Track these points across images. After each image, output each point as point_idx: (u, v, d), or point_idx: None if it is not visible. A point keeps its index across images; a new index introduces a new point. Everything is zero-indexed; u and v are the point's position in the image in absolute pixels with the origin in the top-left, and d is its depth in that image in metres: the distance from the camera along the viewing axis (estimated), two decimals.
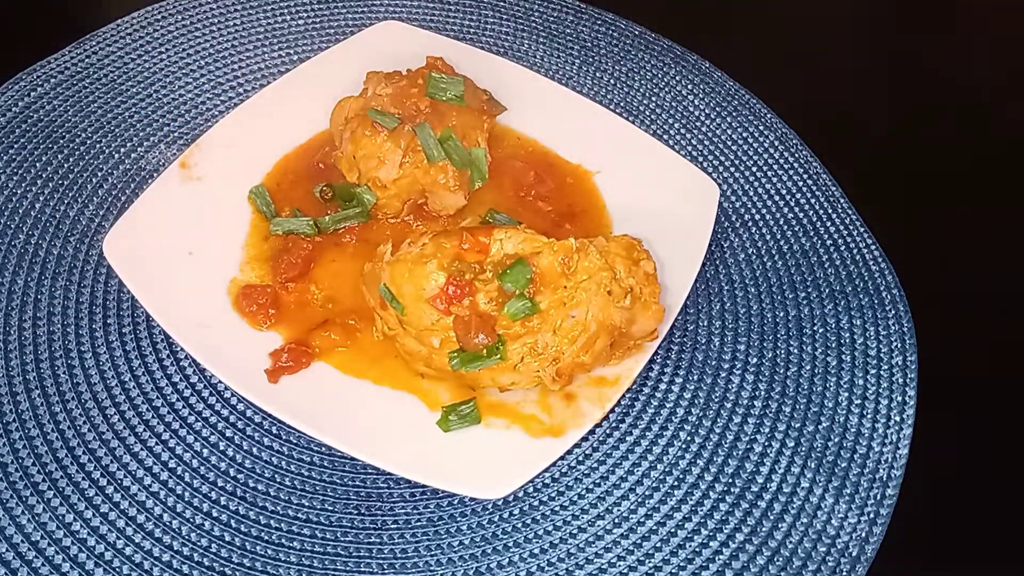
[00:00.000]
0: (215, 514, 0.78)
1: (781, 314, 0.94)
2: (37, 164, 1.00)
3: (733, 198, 1.04)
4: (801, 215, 1.03)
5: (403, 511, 0.79)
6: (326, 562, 0.76)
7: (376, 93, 0.96)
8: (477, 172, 0.96)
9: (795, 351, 0.91)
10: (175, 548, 0.76)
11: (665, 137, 1.09)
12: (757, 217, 1.02)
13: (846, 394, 0.88)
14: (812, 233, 1.01)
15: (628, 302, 0.80)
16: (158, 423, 0.83)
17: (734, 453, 0.84)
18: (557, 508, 0.80)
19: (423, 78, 0.96)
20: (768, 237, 1.01)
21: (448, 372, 0.80)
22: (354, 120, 0.95)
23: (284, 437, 0.83)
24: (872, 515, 0.80)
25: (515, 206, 0.98)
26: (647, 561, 0.78)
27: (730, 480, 0.82)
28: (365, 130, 0.93)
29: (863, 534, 0.79)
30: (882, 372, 0.90)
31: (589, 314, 0.79)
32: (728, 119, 1.12)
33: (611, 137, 1.02)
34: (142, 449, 0.81)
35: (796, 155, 1.08)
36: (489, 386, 0.82)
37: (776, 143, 1.10)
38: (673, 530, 0.79)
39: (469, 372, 0.79)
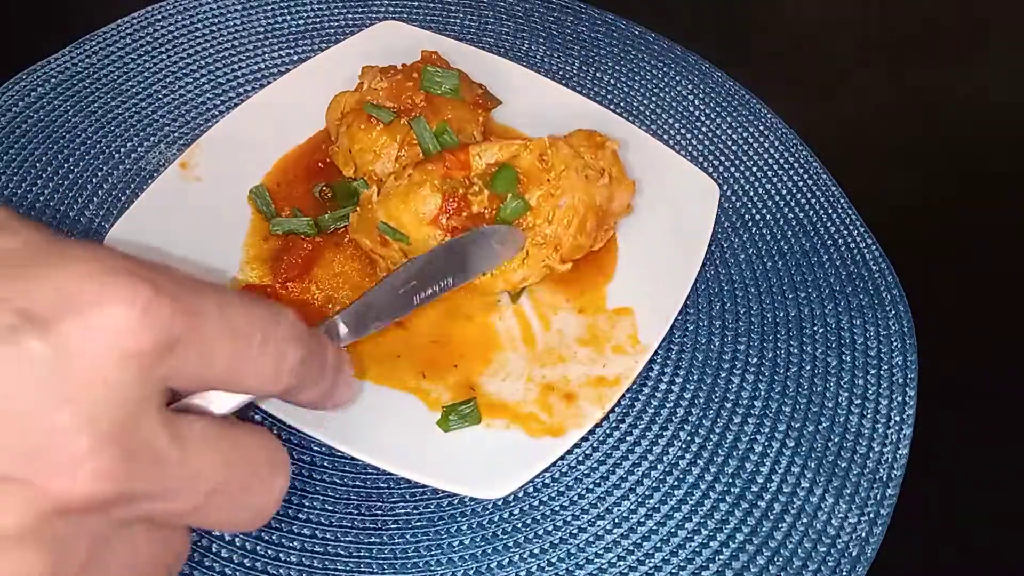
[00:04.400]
0: None
1: (781, 314, 0.94)
2: (37, 164, 1.00)
3: (733, 198, 1.04)
4: (801, 215, 1.03)
5: (403, 511, 0.79)
6: (326, 562, 0.76)
7: (371, 87, 0.96)
8: None
9: (795, 351, 0.91)
10: None
11: (665, 137, 1.09)
12: (757, 217, 1.02)
13: (846, 394, 0.88)
14: (812, 233, 1.01)
15: (607, 180, 0.88)
16: None
17: (734, 453, 0.84)
18: (557, 508, 0.80)
19: (418, 72, 0.96)
20: (768, 237, 1.01)
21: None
22: (350, 114, 0.96)
23: (284, 437, 0.83)
24: (872, 515, 0.80)
25: None
26: (647, 561, 0.78)
27: (730, 480, 0.82)
28: (361, 124, 0.94)
29: (863, 534, 0.79)
30: (882, 372, 0.90)
31: (576, 198, 0.85)
32: (728, 119, 1.12)
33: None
34: None
35: (796, 155, 1.08)
36: (503, 288, 0.87)
37: (776, 143, 1.10)
38: (673, 530, 0.79)
39: (484, 280, 0.85)
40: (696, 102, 1.14)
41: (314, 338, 0.55)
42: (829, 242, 1.00)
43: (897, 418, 0.87)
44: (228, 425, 0.49)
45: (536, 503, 0.80)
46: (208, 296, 0.45)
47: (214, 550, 0.76)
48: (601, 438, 0.85)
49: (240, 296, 0.49)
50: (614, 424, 0.85)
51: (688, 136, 1.10)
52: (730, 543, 0.79)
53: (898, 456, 0.84)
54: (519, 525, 0.79)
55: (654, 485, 0.82)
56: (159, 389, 0.42)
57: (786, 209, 1.03)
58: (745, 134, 1.10)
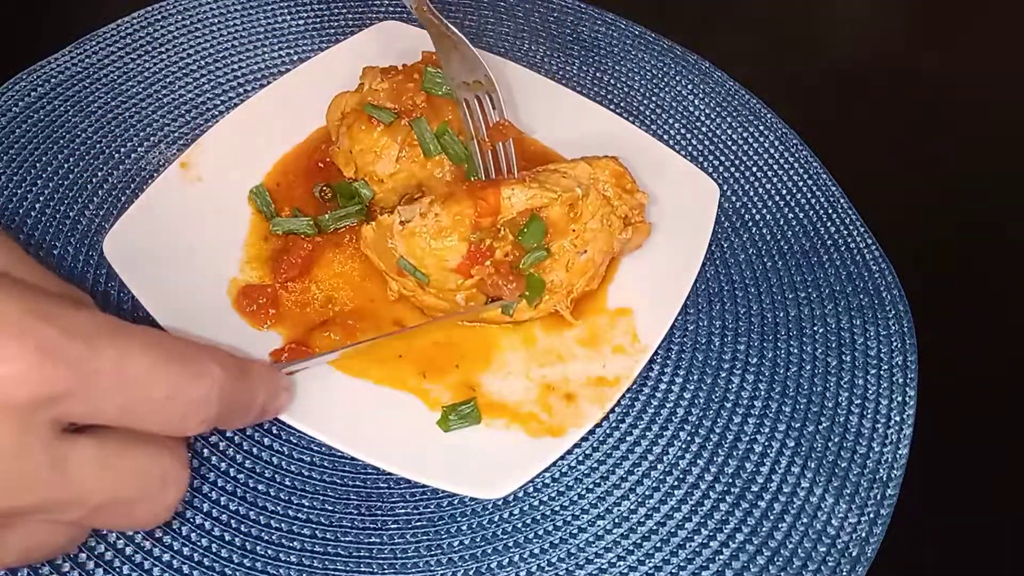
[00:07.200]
0: (215, 514, 0.78)
1: (781, 314, 0.94)
2: (37, 164, 1.00)
3: (733, 198, 1.04)
4: (801, 215, 1.03)
5: (403, 511, 0.79)
6: (326, 562, 0.76)
7: (372, 88, 0.96)
8: (473, 166, 0.96)
9: (795, 351, 0.91)
10: (175, 548, 0.76)
11: (665, 137, 1.09)
12: (757, 217, 1.02)
13: (846, 394, 0.88)
14: (812, 233, 1.01)
15: (629, 234, 0.88)
16: None
17: (734, 453, 0.84)
18: (557, 508, 0.80)
19: (419, 73, 0.96)
20: (768, 237, 1.01)
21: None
22: (350, 115, 0.96)
23: (284, 437, 0.83)
24: (872, 515, 0.80)
25: None
26: (647, 561, 0.78)
27: (730, 480, 0.82)
28: (361, 125, 0.94)
29: (863, 534, 0.79)
30: (882, 372, 0.90)
31: (596, 249, 0.86)
32: (728, 119, 1.12)
33: (611, 137, 1.02)
34: None
35: (796, 155, 1.08)
36: (507, 323, 0.87)
37: (776, 143, 1.10)
38: (673, 530, 0.79)
39: (491, 317, 0.87)
40: (696, 102, 1.14)
41: (241, 386, 0.60)
42: (829, 242, 1.00)
43: (897, 418, 0.87)
44: (126, 444, 0.54)
45: (536, 503, 0.80)
46: (105, 352, 0.50)
47: (214, 550, 0.76)
48: (601, 438, 0.85)
49: (159, 350, 0.54)
50: (614, 424, 0.85)
51: (688, 136, 1.10)
52: (730, 543, 0.79)
53: (898, 456, 0.84)
54: (519, 525, 0.79)
55: (654, 485, 0.82)
56: (45, 429, 0.49)
57: (786, 209, 1.03)
58: (745, 134, 1.10)
